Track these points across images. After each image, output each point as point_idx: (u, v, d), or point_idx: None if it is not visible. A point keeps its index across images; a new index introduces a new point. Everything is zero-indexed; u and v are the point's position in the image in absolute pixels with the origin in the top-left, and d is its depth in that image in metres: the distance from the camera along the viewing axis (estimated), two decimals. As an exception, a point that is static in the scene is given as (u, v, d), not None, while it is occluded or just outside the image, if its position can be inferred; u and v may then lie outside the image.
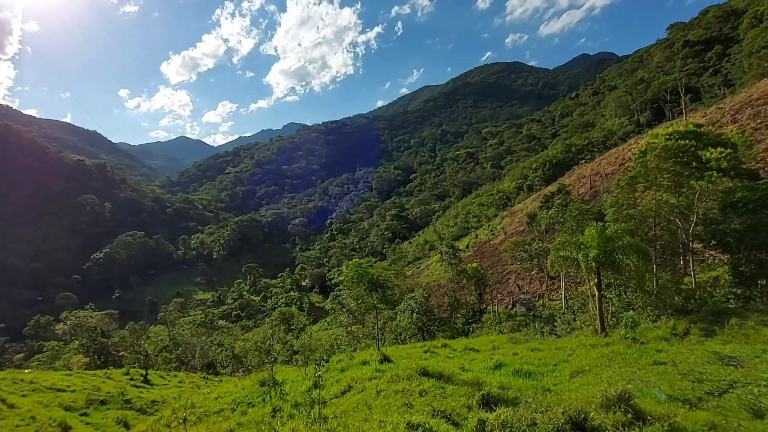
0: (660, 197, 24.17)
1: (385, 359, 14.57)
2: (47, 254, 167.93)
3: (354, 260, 19.38)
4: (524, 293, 53.02)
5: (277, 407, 11.21)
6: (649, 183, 26.04)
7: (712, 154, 24.77)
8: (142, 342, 68.28)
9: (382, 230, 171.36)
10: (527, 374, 12.85)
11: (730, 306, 23.16)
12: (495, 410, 8.40)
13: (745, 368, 11.41)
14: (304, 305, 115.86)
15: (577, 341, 18.12)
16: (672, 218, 24.97)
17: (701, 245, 24.29)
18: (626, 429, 6.91)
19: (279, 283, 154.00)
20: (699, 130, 27.50)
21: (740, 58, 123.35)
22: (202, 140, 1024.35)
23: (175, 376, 48.16)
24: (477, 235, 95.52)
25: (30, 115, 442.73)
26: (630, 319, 17.25)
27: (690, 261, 28.72)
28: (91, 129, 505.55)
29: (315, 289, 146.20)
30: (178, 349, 65.98)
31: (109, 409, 27.02)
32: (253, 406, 12.14)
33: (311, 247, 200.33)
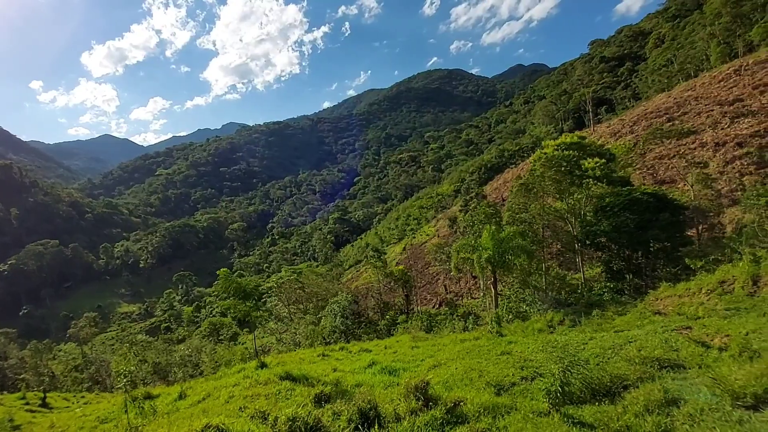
0: (545, 203, 26.80)
1: (262, 365, 14.82)
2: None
3: (223, 269, 19.35)
4: (449, 293, 55.45)
5: (131, 423, 11.03)
6: (536, 189, 28.84)
7: (589, 163, 27.99)
8: (47, 362, 62.01)
9: (325, 234, 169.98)
10: (392, 371, 13.72)
11: (604, 298, 26.14)
12: (323, 407, 9.06)
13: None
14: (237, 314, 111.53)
15: (452, 337, 19.54)
16: (557, 222, 27.69)
17: (578, 245, 27.29)
18: (415, 414, 7.86)
19: (213, 292, 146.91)
20: (582, 141, 30.92)
21: (645, 74, 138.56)
22: (130, 139, 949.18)
23: (83, 397, 44.53)
24: (414, 238, 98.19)
25: None
26: (495, 316, 18.95)
27: (580, 259, 32.02)
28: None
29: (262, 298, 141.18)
30: (90, 368, 60.76)
31: (-13, 437, 24.49)
32: (108, 422, 11.81)
33: (251, 253, 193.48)
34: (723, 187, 43.35)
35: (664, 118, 60.29)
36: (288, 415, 6.83)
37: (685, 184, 35.68)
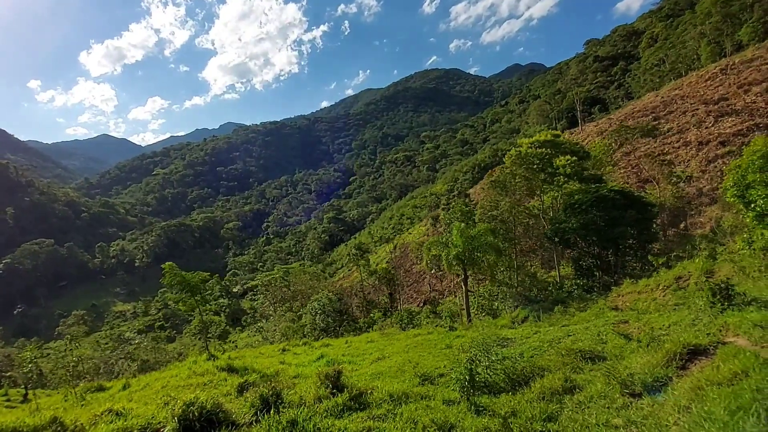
0: (514, 200, 27.00)
1: (212, 358, 15.04)
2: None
3: (168, 263, 19.53)
4: (434, 291, 55.69)
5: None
6: (506, 187, 29.02)
7: (560, 161, 28.18)
8: (36, 360, 62.03)
9: (319, 233, 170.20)
10: (337, 364, 13.97)
11: (573, 296, 26.36)
12: (243, 395, 9.28)
13: (507, 347, 13.38)
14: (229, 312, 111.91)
15: (412, 332, 19.76)
16: (528, 220, 27.89)
17: (548, 242, 27.49)
18: (320, 400, 8.08)
19: (207, 290, 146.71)
20: (556, 140, 31.12)
21: (638, 73, 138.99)
22: (128, 139, 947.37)
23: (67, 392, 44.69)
24: (404, 236, 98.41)
25: None
26: (448, 311, 19.18)
27: (555, 257, 32.25)
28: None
29: (247, 296, 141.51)
30: (78, 366, 60.82)
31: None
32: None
33: (246, 252, 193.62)
34: (704, 186, 43.66)
35: (650, 116, 60.56)
36: (186, 400, 7.02)
37: (662, 182, 35.94)
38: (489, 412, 7.55)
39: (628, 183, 44.79)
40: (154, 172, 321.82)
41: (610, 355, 10.31)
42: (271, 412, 7.13)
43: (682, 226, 30.52)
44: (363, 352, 15.81)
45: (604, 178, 30.95)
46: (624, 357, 9.76)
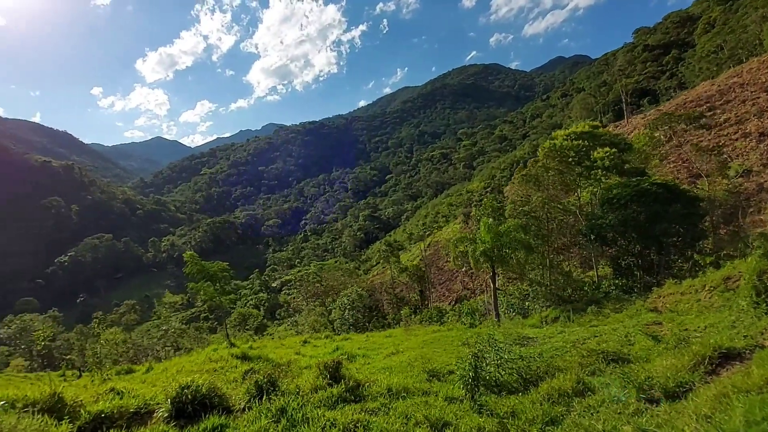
0: (545, 195, 25.66)
1: (232, 346, 15.45)
2: (8, 259, 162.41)
3: (189, 252, 20.05)
4: (466, 289, 54.56)
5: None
6: (538, 181, 27.60)
7: (598, 153, 26.46)
8: (96, 345, 67.36)
9: (355, 231, 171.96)
10: (350, 356, 13.88)
11: (610, 296, 24.80)
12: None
13: (527, 347, 12.69)
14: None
15: (432, 328, 19.31)
16: (562, 216, 26.50)
17: (583, 240, 25.88)
18: (316, 390, 7.96)
19: (248, 285, 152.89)
20: (594, 131, 29.24)
21: (693, 62, 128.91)
22: (179, 141, 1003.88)
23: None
24: (440, 234, 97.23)
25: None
26: (468, 307, 18.52)
27: (593, 256, 30.48)
28: (61, 129, 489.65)
29: (283, 290, 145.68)
30: (129, 352, 65.29)
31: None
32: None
33: (284, 249, 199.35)
34: (765, 181, 39.70)
35: (705, 107, 55.82)
36: (182, 383, 7.14)
37: (714, 176, 32.93)
38: (488, 411, 7.11)
39: (678, 178, 41.57)
40: (202, 172, 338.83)
41: (635, 358, 9.48)
42: (263, 399, 7.10)
43: (737, 223, 27.77)
44: (379, 346, 15.64)
45: (648, 172, 28.73)
46: (650, 360, 8.93)
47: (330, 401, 7.50)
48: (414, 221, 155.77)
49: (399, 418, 6.75)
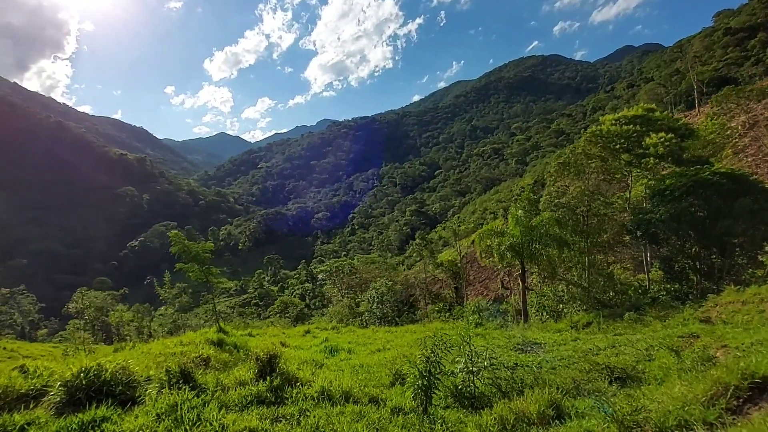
0: (585, 186, 22.70)
1: (221, 331, 15.02)
2: (87, 242, 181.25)
3: (174, 231, 19.72)
4: (505, 288, 51.61)
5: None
6: (578, 170, 24.45)
7: (651, 139, 22.94)
8: (151, 322, 72.97)
9: (401, 225, 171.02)
10: (334, 350, 12.86)
11: (658, 302, 21.62)
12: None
13: (528, 354, 10.84)
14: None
15: (433, 325, 17.70)
16: (604, 210, 23.46)
17: (628, 236, 22.55)
18: (242, 385, 6.95)
19: (295, 275, 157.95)
20: (649, 114, 25.42)
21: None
22: (241, 136, 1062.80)
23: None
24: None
25: (83, 112, 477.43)
26: (475, 305, 16.62)
27: (644, 256, 26.92)
28: (138, 125, 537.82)
29: (319, 281, 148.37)
30: (179, 331, 69.83)
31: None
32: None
33: (331, 241, 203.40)
34: None
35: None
36: (85, 365, 6.45)
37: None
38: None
39: (756, 173, 35.80)
40: (259, 166, 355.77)
41: (648, 377, 7.44)
42: (164, 391, 6.21)
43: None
44: (372, 341, 14.45)
45: (713, 163, 24.53)
46: (665, 381, 6.89)
47: (245, 401, 6.45)
48: (461, 217, 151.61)
49: (308, 430, 5.52)
